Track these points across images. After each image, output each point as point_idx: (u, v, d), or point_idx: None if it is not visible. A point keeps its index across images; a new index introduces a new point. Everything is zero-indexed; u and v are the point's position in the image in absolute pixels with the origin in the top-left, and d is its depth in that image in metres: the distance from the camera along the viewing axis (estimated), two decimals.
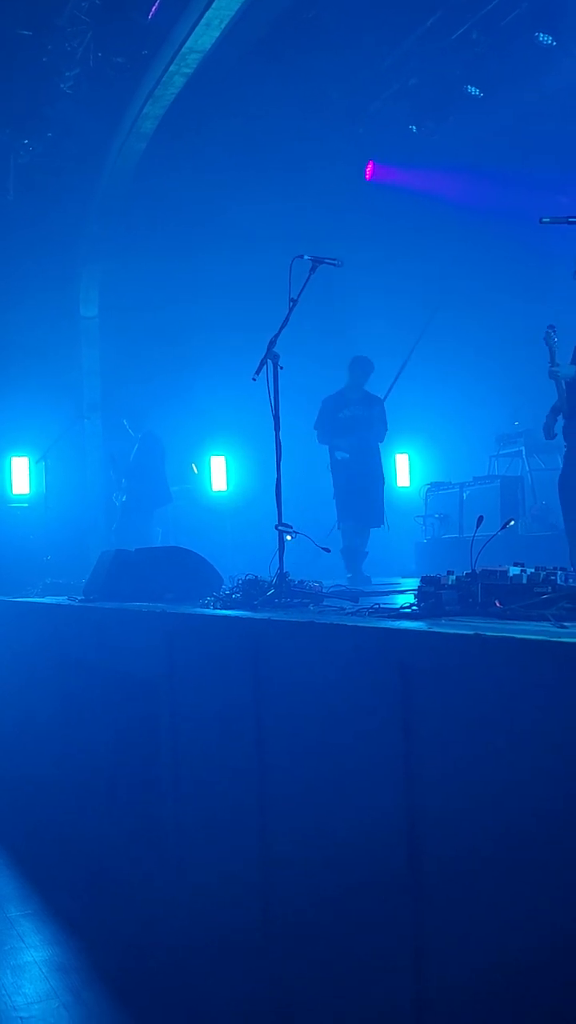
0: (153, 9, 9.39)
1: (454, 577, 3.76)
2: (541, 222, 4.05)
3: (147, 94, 10.31)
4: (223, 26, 9.14)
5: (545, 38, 10.22)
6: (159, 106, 10.50)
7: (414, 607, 3.79)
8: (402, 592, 5.32)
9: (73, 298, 12.65)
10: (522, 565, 3.62)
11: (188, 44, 9.39)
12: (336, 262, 5.10)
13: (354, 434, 9.20)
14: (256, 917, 3.80)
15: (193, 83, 10.12)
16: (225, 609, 4.70)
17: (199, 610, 4.78)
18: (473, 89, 11.10)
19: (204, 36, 9.29)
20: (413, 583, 4.90)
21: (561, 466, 6.79)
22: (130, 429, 10.99)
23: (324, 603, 4.65)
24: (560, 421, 6.36)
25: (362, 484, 9.24)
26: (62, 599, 6.94)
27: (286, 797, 3.63)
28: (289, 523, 4.88)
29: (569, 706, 2.28)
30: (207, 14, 8.93)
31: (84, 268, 12.61)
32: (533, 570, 3.57)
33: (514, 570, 3.58)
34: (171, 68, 9.79)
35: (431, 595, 3.74)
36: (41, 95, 10.11)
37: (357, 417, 9.22)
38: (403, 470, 14.03)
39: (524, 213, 10.12)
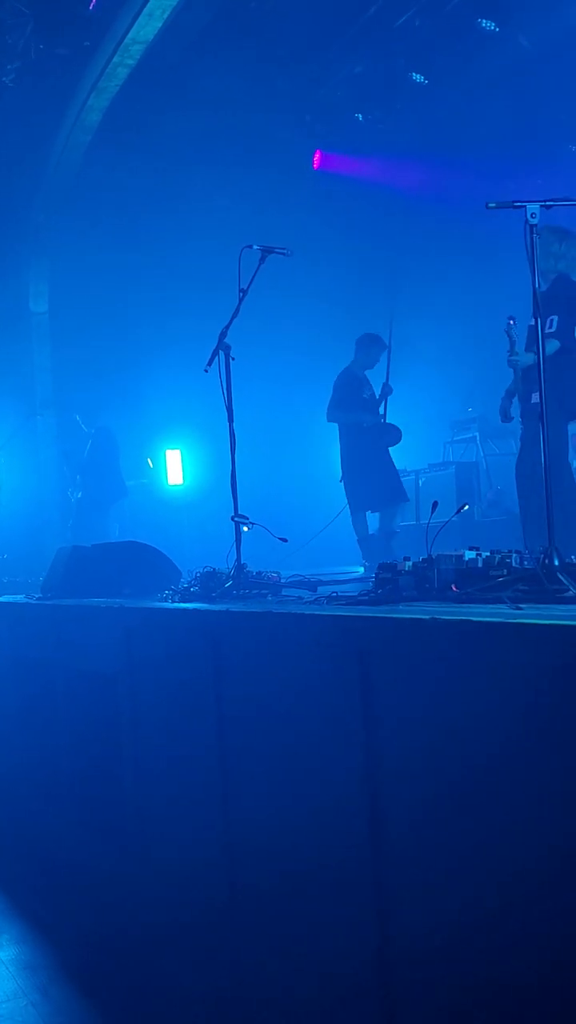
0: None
1: (411, 563, 3.78)
2: (487, 207, 4.05)
3: (91, 86, 10.24)
4: (165, 16, 9.09)
5: (488, 24, 10.27)
6: (103, 98, 10.43)
7: (372, 594, 3.81)
8: (360, 580, 5.33)
9: (23, 294, 12.54)
10: (477, 549, 3.64)
11: (131, 35, 9.33)
12: (286, 251, 5.09)
13: (376, 414, 9.01)
14: (221, 901, 3.81)
15: (137, 74, 10.06)
16: (183, 602, 4.69)
17: (157, 604, 4.77)
18: (418, 76, 11.14)
19: (147, 27, 9.24)
20: (370, 571, 4.92)
21: (516, 450, 6.84)
22: (83, 425, 10.92)
23: (282, 593, 4.66)
24: (516, 404, 6.40)
25: (388, 459, 9.02)
26: (19, 597, 6.89)
27: (248, 785, 3.63)
28: (245, 514, 4.88)
29: (525, 686, 2.30)
30: (149, 4, 8.89)
31: (33, 263, 12.50)
32: (488, 554, 3.60)
33: (470, 554, 3.61)
34: (114, 59, 9.73)
35: (388, 581, 3.76)
36: None
37: (375, 398, 9.02)
38: None
39: (472, 199, 10.16)
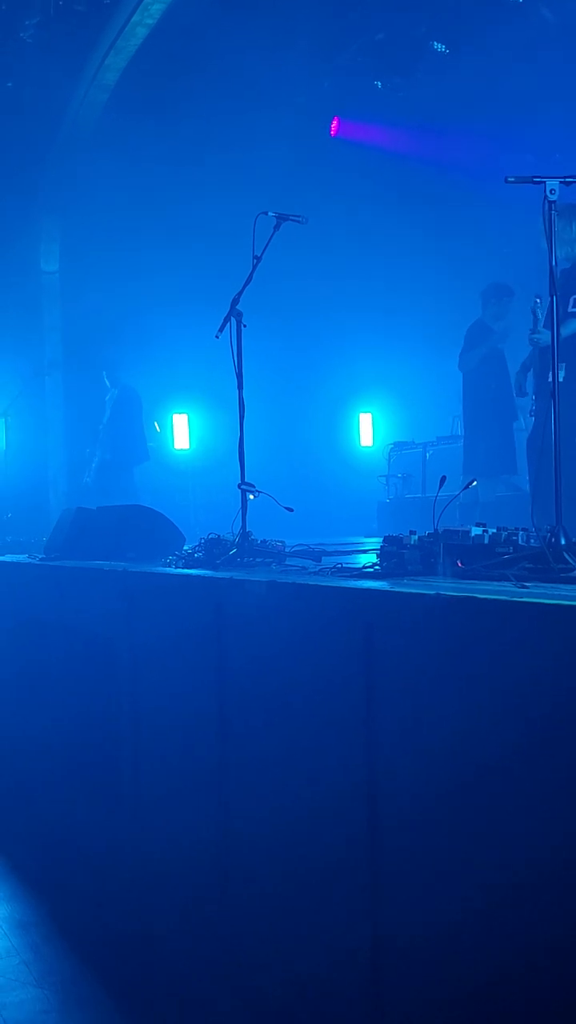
0: None
1: (416, 537, 3.77)
2: (506, 181, 4.01)
3: (109, 44, 10.13)
4: None
5: None
6: (121, 57, 10.32)
7: (376, 567, 3.80)
8: (364, 552, 5.32)
9: (33, 252, 12.47)
10: (484, 525, 3.63)
11: None
12: (301, 219, 5.04)
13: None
14: (217, 874, 3.82)
15: (156, 34, 9.95)
16: (187, 568, 4.68)
17: (160, 569, 4.76)
18: (439, 45, 11.01)
19: None
20: (375, 543, 4.91)
21: (527, 426, 6.82)
22: (108, 382, 10.79)
23: (287, 562, 4.64)
24: (530, 379, 6.39)
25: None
26: (22, 557, 6.89)
27: (248, 757, 3.64)
28: (252, 482, 4.86)
29: (529, 666, 2.29)
30: None
31: (44, 222, 12.42)
32: (495, 531, 3.59)
33: (476, 530, 3.60)
34: (133, 19, 9.61)
35: (393, 555, 3.75)
36: (0, 44, 9.90)
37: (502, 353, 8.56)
38: (366, 429, 14.06)
39: (491, 170, 10.07)
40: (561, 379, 5.88)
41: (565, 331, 5.89)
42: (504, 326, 8.39)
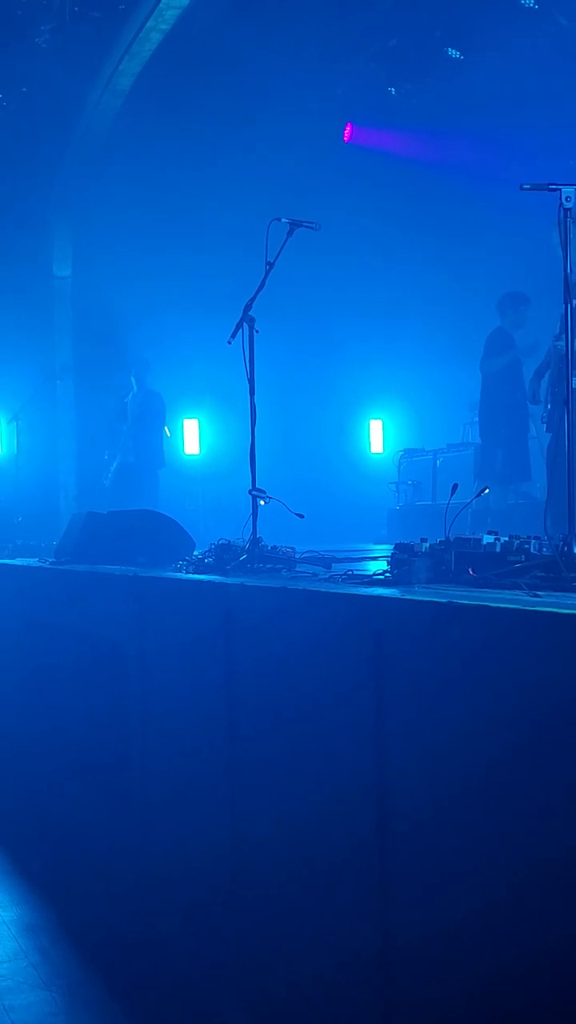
0: None
1: (427, 544, 3.76)
2: (521, 188, 4.01)
3: (124, 50, 10.15)
4: None
5: (526, 1, 10.13)
6: (136, 63, 10.34)
7: (387, 574, 3.80)
8: (375, 559, 5.32)
9: (46, 257, 12.50)
10: (496, 533, 3.62)
11: (166, 0, 9.23)
12: (314, 225, 5.03)
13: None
14: (225, 880, 3.82)
15: (170, 40, 9.97)
16: (197, 573, 4.68)
17: (171, 574, 4.77)
18: (453, 51, 11.00)
19: None
20: (386, 550, 4.90)
21: (536, 434, 6.81)
22: (136, 387, 10.75)
23: (297, 569, 4.64)
24: (544, 385, 6.38)
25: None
26: (33, 561, 6.90)
27: (257, 761, 3.63)
28: (262, 488, 4.86)
29: (539, 674, 2.28)
30: None
31: (57, 227, 12.45)
32: (507, 539, 3.58)
33: (488, 538, 3.59)
34: (148, 24, 9.63)
35: (404, 562, 3.74)
36: (15, 49, 9.93)
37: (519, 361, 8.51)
38: (376, 436, 14.05)
39: (504, 177, 10.07)
40: None
41: None
42: (525, 336, 8.38)
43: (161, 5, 9.30)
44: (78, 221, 12.33)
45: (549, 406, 6.30)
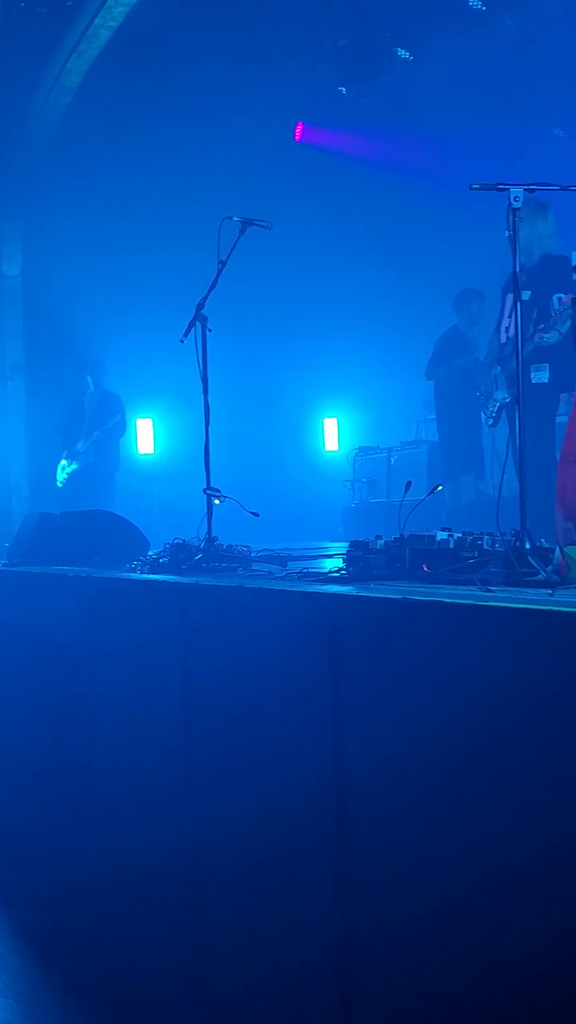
0: None
1: (382, 541, 3.78)
2: (471, 188, 4.03)
3: (71, 47, 10.07)
4: None
5: (475, 2, 10.20)
6: (84, 60, 10.25)
7: (342, 571, 3.81)
8: (330, 556, 5.33)
9: None
10: (449, 530, 3.64)
11: None
12: (266, 224, 5.04)
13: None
14: (187, 881, 3.80)
15: (119, 37, 9.91)
16: (152, 573, 4.67)
17: (125, 574, 4.74)
18: (403, 52, 11.05)
19: None
20: (341, 547, 4.91)
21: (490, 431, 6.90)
22: (93, 386, 10.64)
23: (253, 567, 4.64)
24: (500, 379, 6.43)
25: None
26: None
27: (215, 762, 3.62)
28: (217, 487, 4.85)
29: (495, 670, 2.30)
30: None
31: (5, 225, 12.33)
32: (460, 535, 3.60)
33: (441, 535, 3.61)
34: (96, 21, 9.56)
35: (359, 559, 3.76)
36: None
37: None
38: (331, 434, 14.06)
39: (453, 177, 10.11)
40: (546, 380, 5.94)
41: (561, 330, 5.85)
42: (479, 331, 8.43)
43: (109, 2, 9.24)
44: (27, 219, 12.22)
45: (508, 399, 6.32)
